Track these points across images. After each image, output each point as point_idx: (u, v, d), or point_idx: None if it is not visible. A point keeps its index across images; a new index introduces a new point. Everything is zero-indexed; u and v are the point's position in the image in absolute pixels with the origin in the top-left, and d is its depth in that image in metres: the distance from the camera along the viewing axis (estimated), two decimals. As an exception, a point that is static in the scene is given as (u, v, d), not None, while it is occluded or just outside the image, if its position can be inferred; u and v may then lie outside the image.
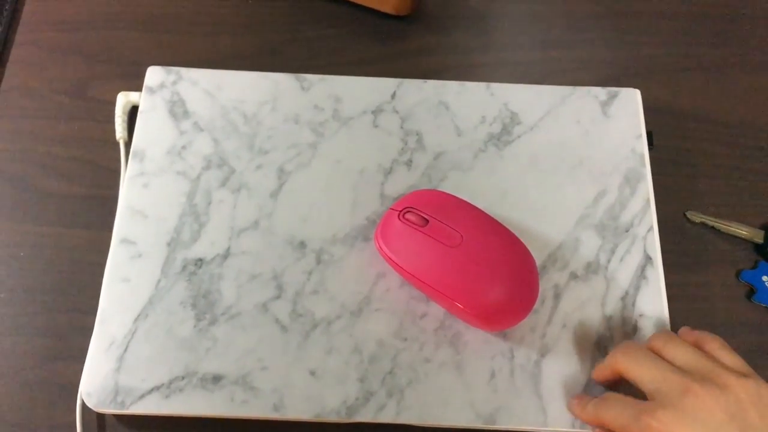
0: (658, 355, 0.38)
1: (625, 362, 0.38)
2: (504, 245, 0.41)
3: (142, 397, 0.40)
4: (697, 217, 0.48)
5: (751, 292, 0.46)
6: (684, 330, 0.41)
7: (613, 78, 0.53)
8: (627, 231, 0.45)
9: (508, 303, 0.40)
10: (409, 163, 0.47)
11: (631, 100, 0.49)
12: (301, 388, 0.40)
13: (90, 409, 0.40)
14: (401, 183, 0.46)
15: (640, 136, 0.48)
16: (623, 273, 0.44)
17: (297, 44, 0.54)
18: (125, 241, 0.44)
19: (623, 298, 0.43)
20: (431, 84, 0.49)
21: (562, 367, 0.41)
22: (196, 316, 0.42)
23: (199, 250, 0.44)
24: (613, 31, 0.55)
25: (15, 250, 0.46)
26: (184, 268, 0.43)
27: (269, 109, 0.48)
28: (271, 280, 0.43)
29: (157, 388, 0.40)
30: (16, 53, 0.53)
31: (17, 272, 0.46)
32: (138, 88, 0.49)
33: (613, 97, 0.49)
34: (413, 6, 0.54)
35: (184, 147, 0.47)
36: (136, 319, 0.42)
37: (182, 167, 0.46)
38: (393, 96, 0.49)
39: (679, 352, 0.37)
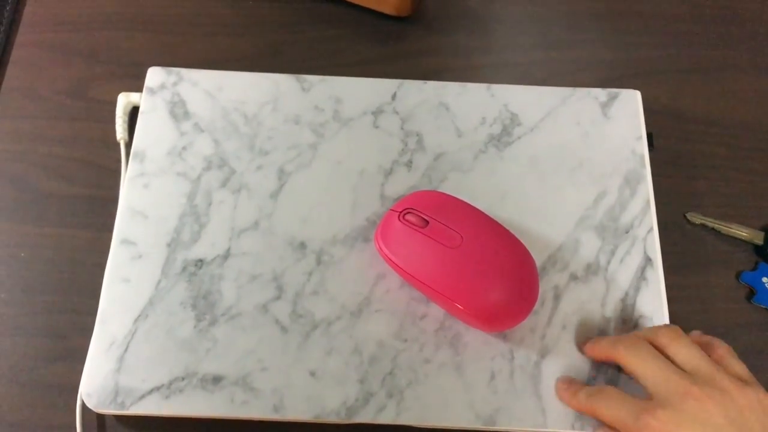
0: (662, 351, 0.38)
1: (627, 356, 0.38)
2: (504, 246, 0.41)
3: (142, 397, 0.40)
4: (697, 218, 0.48)
5: (751, 294, 0.46)
6: (694, 333, 0.41)
7: (613, 79, 0.53)
8: (627, 232, 0.45)
9: (508, 304, 0.40)
10: (409, 164, 0.47)
11: (631, 102, 0.49)
12: (301, 389, 0.40)
13: (90, 409, 0.40)
14: (401, 184, 0.46)
15: (641, 137, 0.48)
16: (623, 274, 0.44)
17: (297, 45, 0.54)
18: (125, 241, 0.44)
19: (623, 300, 0.43)
20: (431, 85, 0.49)
21: (562, 368, 0.41)
22: (197, 317, 0.42)
23: (200, 250, 0.44)
24: (613, 32, 0.55)
25: (15, 250, 0.46)
26: (184, 268, 0.43)
27: (270, 110, 0.48)
28: (271, 280, 0.43)
29: (157, 389, 0.40)
30: (16, 54, 0.53)
31: (17, 272, 0.46)
32: (139, 88, 0.49)
33: (613, 98, 0.49)
34: (413, 7, 0.54)
35: (184, 148, 0.47)
36: (136, 320, 0.42)
37: (183, 168, 0.46)
38: (393, 97, 0.49)
39: (684, 351, 0.37)
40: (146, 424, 0.41)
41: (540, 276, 0.43)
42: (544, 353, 0.42)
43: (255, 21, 0.55)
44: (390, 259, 0.41)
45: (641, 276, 0.44)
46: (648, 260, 0.44)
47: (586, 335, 0.42)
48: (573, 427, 0.40)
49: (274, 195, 0.45)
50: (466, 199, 0.43)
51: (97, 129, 0.50)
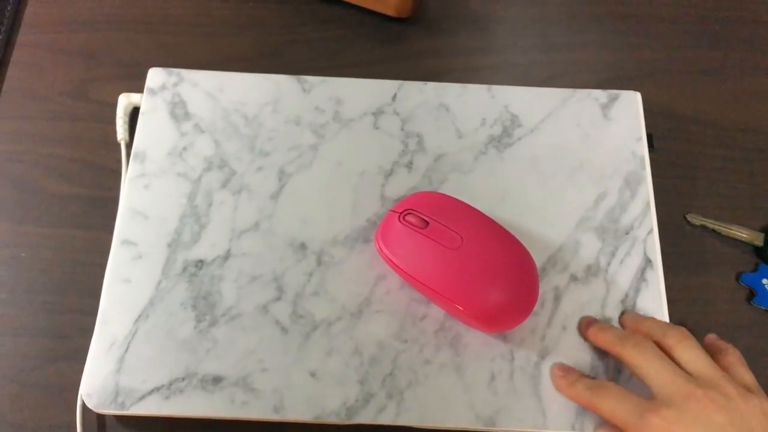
0: (668, 353, 0.38)
1: (633, 355, 0.38)
2: (504, 247, 0.41)
3: (142, 398, 0.40)
4: (697, 219, 0.48)
5: (751, 295, 0.46)
6: (710, 337, 0.41)
7: (613, 80, 0.53)
8: (627, 234, 0.45)
9: (508, 305, 0.40)
10: (409, 165, 0.47)
11: (631, 103, 0.49)
12: (301, 390, 0.40)
13: (90, 409, 0.40)
14: (402, 185, 0.46)
15: (641, 138, 0.48)
16: (623, 275, 0.44)
17: (298, 46, 0.54)
18: (126, 242, 0.44)
19: (623, 301, 0.43)
20: (432, 86, 0.49)
21: (561, 369, 0.41)
22: (197, 317, 0.42)
23: (200, 251, 0.44)
24: (613, 33, 0.55)
25: (16, 250, 0.46)
26: (184, 269, 0.43)
27: (270, 111, 0.48)
28: (271, 281, 0.43)
29: (157, 389, 0.40)
30: (17, 55, 0.53)
31: (18, 273, 0.46)
32: (139, 89, 0.49)
33: (613, 99, 0.49)
34: (414, 8, 0.54)
35: (185, 148, 0.47)
36: (136, 320, 0.42)
37: (183, 169, 0.46)
38: (394, 98, 0.49)
39: (690, 355, 0.38)
40: (146, 424, 0.42)
41: (540, 277, 0.43)
42: (544, 354, 0.42)
43: (255, 22, 0.55)
44: (390, 260, 0.41)
45: (641, 277, 0.44)
46: (648, 261, 0.44)
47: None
48: (573, 428, 0.40)
49: (275, 196, 0.45)
50: (466, 200, 0.43)
51: (98, 129, 0.50)
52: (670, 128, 0.51)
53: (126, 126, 0.49)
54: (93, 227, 0.47)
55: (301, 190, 0.46)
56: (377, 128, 0.48)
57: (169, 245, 0.44)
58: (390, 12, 0.54)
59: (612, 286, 0.43)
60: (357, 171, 0.46)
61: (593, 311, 0.43)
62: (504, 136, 0.48)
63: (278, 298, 0.43)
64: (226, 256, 0.44)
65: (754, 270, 0.47)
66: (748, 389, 0.36)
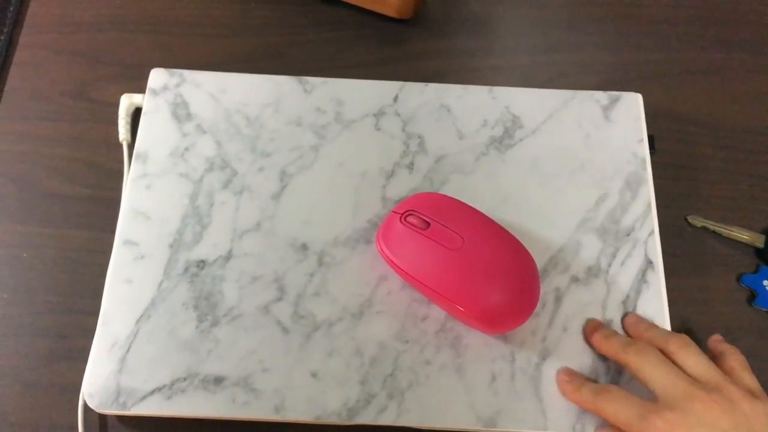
0: (670, 359, 0.38)
1: (637, 361, 0.38)
2: (505, 248, 0.41)
3: (143, 398, 0.40)
4: (698, 221, 0.48)
5: (752, 297, 0.46)
6: (715, 338, 0.41)
7: (614, 82, 0.53)
8: (628, 235, 0.45)
9: (509, 306, 0.40)
10: (410, 166, 0.47)
11: (632, 104, 0.49)
12: (302, 390, 0.40)
13: (92, 409, 0.40)
14: (403, 186, 0.46)
15: (642, 140, 0.48)
16: (624, 277, 0.44)
17: (299, 47, 0.54)
18: (128, 242, 0.44)
19: (624, 302, 0.43)
20: (433, 87, 0.49)
21: (562, 370, 0.41)
22: (198, 318, 0.42)
23: (202, 251, 0.44)
24: (614, 35, 0.56)
25: (18, 250, 0.46)
26: (186, 269, 0.43)
27: (272, 112, 0.48)
28: (272, 282, 0.43)
29: (158, 390, 0.40)
30: (20, 55, 0.53)
31: (20, 273, 0.46)
32: (141, 90, 0.49)
33: (614, 101, 0.49)
34: (415, 9, 0.54)
35: (186, 149, 0.47)
36: (138, 321, 0.42)
37: (185, 169, 0.46)
38: (395, 99, 0.49)
39: (692, 360, 0.38)
40: (148, 424, 0.42)
41: (541, 278, 0.43)
42: (545, 355, 0.42)
43: (257, 23, 0.55)
44: (391, 261, 0.41)
45: (642, 278, 0.44)
46: (649, 263, 0.44)
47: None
48: (574, 429, 0.40)
49: (276, 196, 0.46)
50: (467, 201, 0.43)
51: (100, 130, 0.50)
52: (671, 130, 0.51)
53: (128, 126, 0.49)
54: (95, 227, 0.47)
55: (302, 190, 0.46)
56: (378, 129, 0.48)
57: (171, 245, 0.44)
58: (391, 13, 0.54)
59: (613, 288, 0.44)
60: (358, 172, 0.46)
61: (594, 312, 0.43)
62: (505, 137, 0.48)
63: (279, 299, 0.43)
64: (228, 257, 0.44)
65: (755, 271, 0.47)
66: (751, 393, 0.36)
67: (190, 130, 0.47)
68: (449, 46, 0.55)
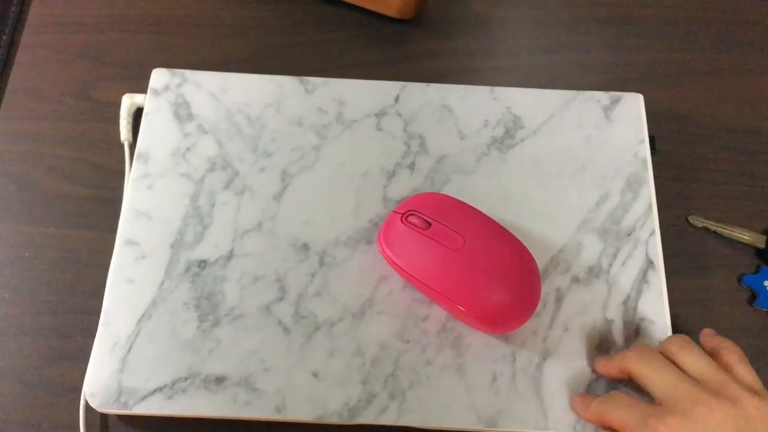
0: (671, 360, 0.38)
1: (637, 365, 0.38)
2: (506, 248, 0.41)
3: (145, 397, 0.40)
4: (699, 221, 0.48)
5: (752, 297, 0.46)
6: (707, 332, 0.41)
7: (615, 82, 0.53)
8: (629, 235, 0.45)
9: (510, 306, 0.40)
10: (412, 167, 0.47)
11: (633, 105, 0.49)
12: (303, 390, 0.40)
13: (93, 409, 0.40)
14: (404, 186, 0.46)
15: (643, 140, 0.48)
16: (625, 277, 0.44)
17: (301, 47, 0.54)
18: (129, 242, 0.44)
19: (625, 302, 0.43)
20: (434, 87, 0.49)
21: (563, 370, 0.41)
22: (200, 318, 0.42)
23: (203, 251, 0.44)
24: (615, 35, 0.56)
25: (20, 250, 0.46)
26: (187, 269, 0.43)
27: (273, 112, 0.48)
28: (274, 282, 0.43)
29: (160, 389, 0.40)
30: (21, 55, 0.53)
31: (22, 273, 0.46)
32: (143, 90, 0.49)
33: (615, 101, 0.49)
34: (417, 10, 0.54)
35: (188, 149, 0.47)
36: (139, 320, 0.42)
37: (186, 169, 0.46)
38: (396, 99, 0.49)
39: (693, 360, 0.37)
40: (149, 424, 0.42)
41: (542, 278, 0.43)
42: (545, 355, 0.42)
43: (259, 23, 0.55)
44: (392, 261, 0.41)
45: (643, 279, 0.44)
46: (650, 263, 0.44)
47: (589, 340, 0.42)
48: (574, 430, 0.40)
49: (278, 196, 0.46)
50: (468, 202, 0.43)
51: (101, 130, 0.50)
52: (672, 130, 0.52)
53: (129, 126, 0.49)
54: (96, 227, 0.47)
55: (303, 190, 0.46)
56: (380, 129, 0.48)
57: (172, 245, 0.44)
58: (392, 13, 0.54)
59: (614, 288, 0.44)
60: (359, 172, 0.46)
61: (595, 313, 0.43)
62: (506, 138, 0.48)
63: (281, 299, 0.43)
64: (229, 257, 0.44)
65: (756, 272, 0.47)
66: (751, 389, 0.36)
67: (191, 130, 0.47)
68: (450, 47, 0.55)
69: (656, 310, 0.43)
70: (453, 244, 0.40)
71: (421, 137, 0.48)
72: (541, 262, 0.44)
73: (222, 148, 0.47)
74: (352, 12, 0.55)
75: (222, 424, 0.41)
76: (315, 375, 0.41)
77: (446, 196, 0.43)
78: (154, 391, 0.40)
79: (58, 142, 0.50)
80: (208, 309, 0.42)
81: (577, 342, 0.42)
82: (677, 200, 0.49)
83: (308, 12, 0.56)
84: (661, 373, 0.37)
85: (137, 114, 0.50)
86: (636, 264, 0.44)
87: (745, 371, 0.37)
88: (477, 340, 0.42)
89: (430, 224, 0.41)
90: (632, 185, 0.46)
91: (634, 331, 0.42)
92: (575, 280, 0.44)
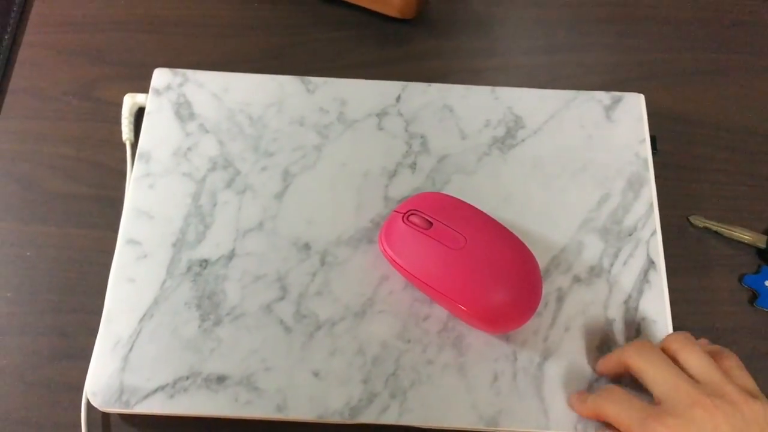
0: (672, 357, 0.38)
1: (637, 360, 0.38)
2: (507, 248, 0.41)
3: (146, 396, 0.40)
4: (700, 221, 0.48)
5: (753, 297, 0.46)
6: (702, 342, 0.41)
7: (617, 82, 0.53)
8: (630, 235, 0.45)
9: (512, 306, 0.40)
10: (413, 166, 0.47)
11: (634, 105, 0.49)
12: (304, 389, 0.40)
13: (95, 408, 0.40)
14: (405, 186, 0.46)
15: (644, 140, 0.48)
16: (626, 277, 0.44)
17: (302, 47, 0.54)
18: (131, 241, 0.44)
19: (626, 302, 0.43)
20: (436, 87, 0.49)
21: (564, 370, 0.41)
22: (201, 317, 0.42)
23: (204, 251, 0.44)
24: (617, 35, 0.56)
25: (21, 249, 0.46)
26: (189, 268, 0.43)
27: (275, 112, 0.48)
28: (275, 281, 0.43)
29: (161, 388, 0.40)
30: (23, 54, 0.53)
31: (23, 272, 0.46)
32: (144, 89, 0.50)
33: (616, 101, 0.49)
34: (418, 9, 0.54)
35: (189, 148, 0.47)
36: (141, 319, 0.42)
37: (188, 168, 0.46)
38: (398, 99, 0.49)
39: (694, 359, 0.37)
40: (151, 423, 0.42)
41: (543, 278, 0.43)
42: (546, 355, 0.42)
43: (260, 23, 0.55)
44: (394, 261, 0.41)
45: (644, 279, 0.44)
46: (651, 263, 0.44)
47: (590, 339, 0.42)
48: (576, 429, 0.40)
49: (279, 196, 0.46)
50: (469, 201, 0.43)
51: (103, 129, 0.50)
52: (673, 130, 0.52)
53: (131, 126, 0.49)
54: (98, 227, 0.47)
55: (305, 190, 0.46)
56: (381, 129, 0.48)
57: (174, 245, 0.44)
58: (394, 13, 0.54)
59: (615, 288, 0.44)
60: (361, 172, 0.47)
61: (596, 312, 0.43)
62: (507, 138, 0.48)
63: (282, 298, 0.43)
64: (231, 256, 0.44)
65: (757, 272, 0.47)
66: (750, 393, 0.36)
67: (193, 130, 0.47)
68: (452, 47, 0.55)
69: (657, 310, 0.43)
70: (454, 244, 0.40)
71: (422, 137, 0.48)
72: (542, 261, 0.44)
73: (223, 147, 0.47)
74: (353, 12, 0.55)
75: (223, 423, 0.41)
76: (316, 374, 0.41)
77: (447, 195, 0.43)
78: (155, 390, 0.40)
79: (60, 142, 0.50)
80: (209, 308, 0.42)
81: (579, 342, 0.42)
82: (678, 200, 0.49)
83: (309, 12, 0.56)
84: (661, 371, 0.37)
85: (139, 113, 0.50)
86: (637, 264, 0.44)
87: (741, 375, 0.37)
88: (478, 339, 0.42)
89: (431, 224, 0.41)
90: (633, 185, 0.46)
91: (635, 331, 0.42)
92: (576, 279, 0.44)
